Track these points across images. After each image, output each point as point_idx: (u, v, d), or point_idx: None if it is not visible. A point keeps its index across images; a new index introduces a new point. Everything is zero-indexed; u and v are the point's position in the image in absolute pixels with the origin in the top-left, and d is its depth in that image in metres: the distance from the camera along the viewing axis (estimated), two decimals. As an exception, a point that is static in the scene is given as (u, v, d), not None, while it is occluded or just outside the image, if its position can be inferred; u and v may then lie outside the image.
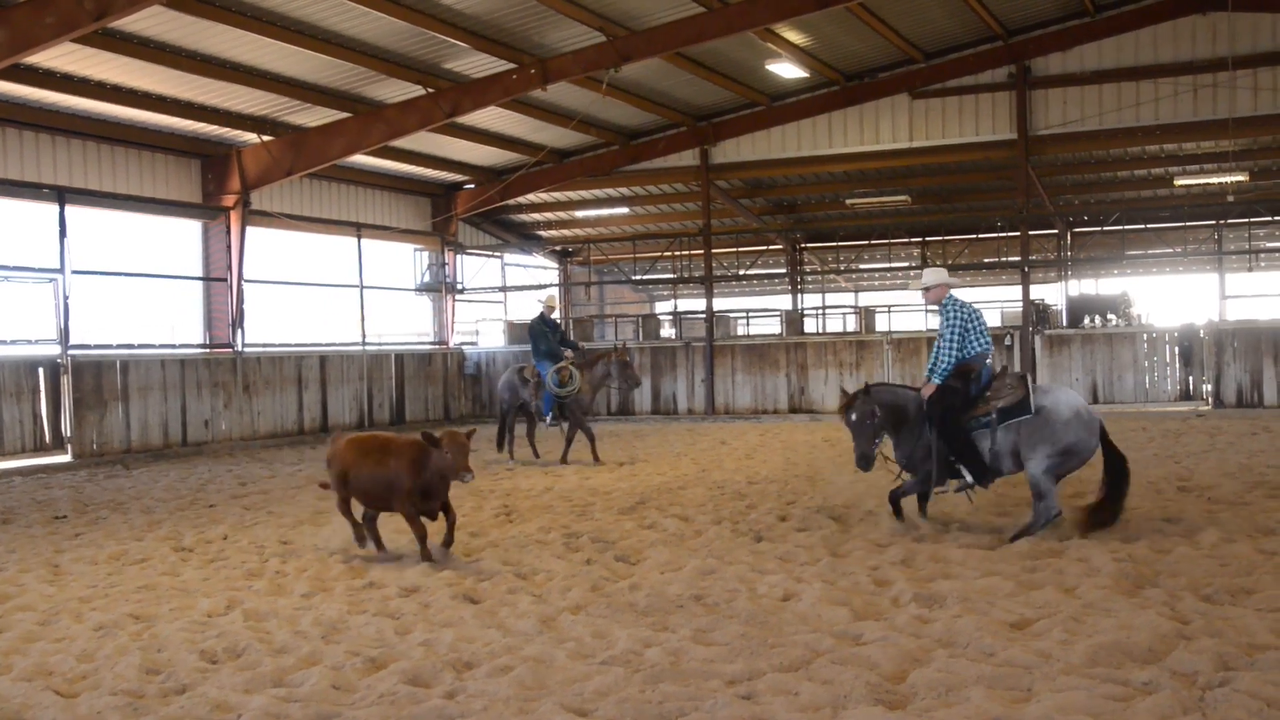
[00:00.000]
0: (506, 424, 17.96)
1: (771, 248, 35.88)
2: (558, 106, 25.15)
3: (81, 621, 7.88)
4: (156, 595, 8.71)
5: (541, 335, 17.38)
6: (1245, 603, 7.29)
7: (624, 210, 33.38)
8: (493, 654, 6.73)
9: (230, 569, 9.70)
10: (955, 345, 10.25)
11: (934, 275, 10.78)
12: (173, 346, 22.81)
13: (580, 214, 33.86)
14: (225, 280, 23.18)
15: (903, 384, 10.82)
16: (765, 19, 20.33)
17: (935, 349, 10.47)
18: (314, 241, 27.03)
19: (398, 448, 9.62)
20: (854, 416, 10.17)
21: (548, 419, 17.29)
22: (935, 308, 10.76)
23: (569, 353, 17.31)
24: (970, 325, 10.34)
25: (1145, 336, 24.85)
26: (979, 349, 10.34)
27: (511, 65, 21.60)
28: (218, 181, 23.03)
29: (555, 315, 17.95)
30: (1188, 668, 5.91)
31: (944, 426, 10.11)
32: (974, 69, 25.84)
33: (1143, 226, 32.05)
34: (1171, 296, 35.91)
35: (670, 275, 35.87)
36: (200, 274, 23.66)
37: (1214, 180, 28.27)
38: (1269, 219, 29.30)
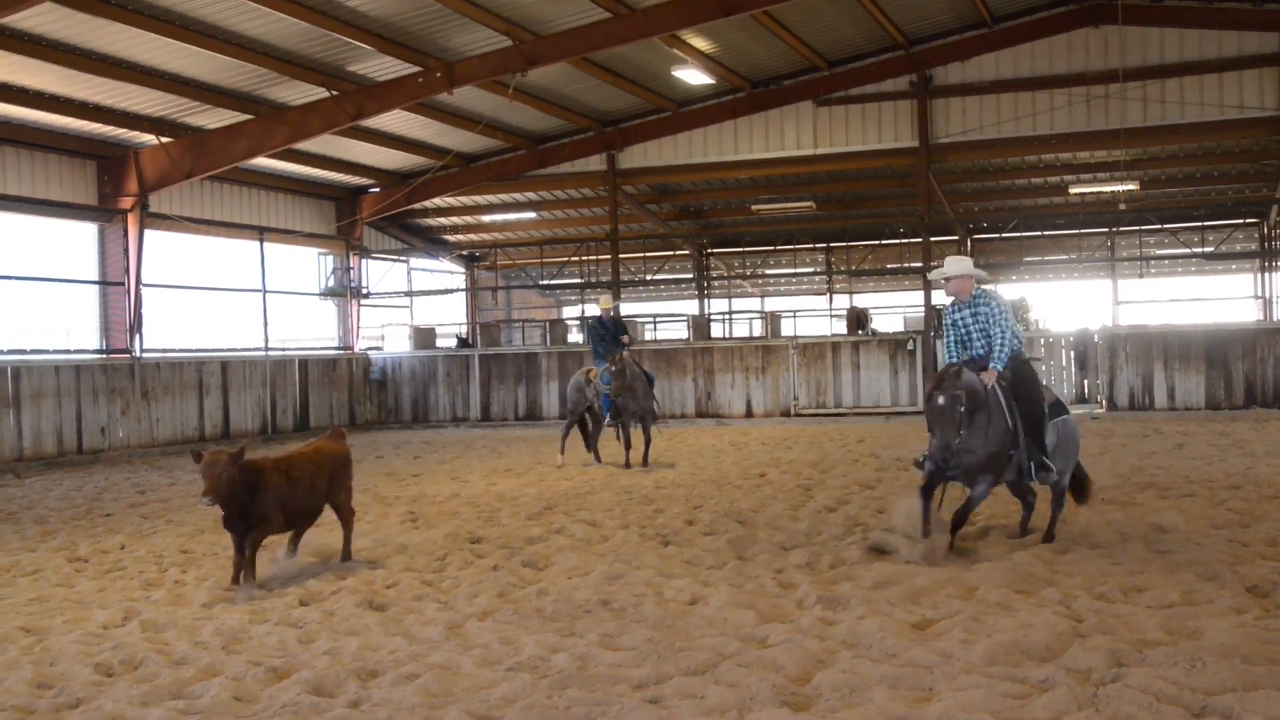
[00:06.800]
0: (571, 426, 17.85)
1: (678, 253, 36.04)
2: (464, 110, 25.03)
3: (-30, 636, 7.65)
4: (49, 607, 8.48)
5: (598, 337, 17.33)
6: (1137, 600, 7.49)
7: (531, 215, 33.31)
8: (398, 662, 6.67)
9: (127, 579, 9.48)
10: (1012, 331, 9.46)
11: (958, 265, 9.65)
12: (67, 352, 22.23)
13: (487, 218, 33.72)
14: (123, 284, 22.66)
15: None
16: (671, 25, 20.42)
17: (959, 341, 9.68)
18: (216, 245, 26.54)
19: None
20: (941, 401, 8.89)
21: (606, 419, 17.15)
22: (954, 301, 9.70)
23: (624, 352, 16.94)
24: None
25: (1042, 341, 25.41)
26: (1020, 343, 9.66)
27: (417, 68, 21.43)
28: (114, 183, 22.49)
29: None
30: (1082, 665, 6.06)
31: (1034, 407, 9.35)
32: (876, 78, 26.27)
33: (1039, 233, 32.78)
34: (1067, 302, 36.87)
35: (578, 280, 35.86)
36: (96, 278, 23.09)
37: (1107, 189, 29.04)
38: (1158, 227, 30.18)
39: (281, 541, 9.75)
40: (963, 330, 9.68)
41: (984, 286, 9.72)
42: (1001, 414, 9.13)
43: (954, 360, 9.56)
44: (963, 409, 8.82)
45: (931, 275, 10.36)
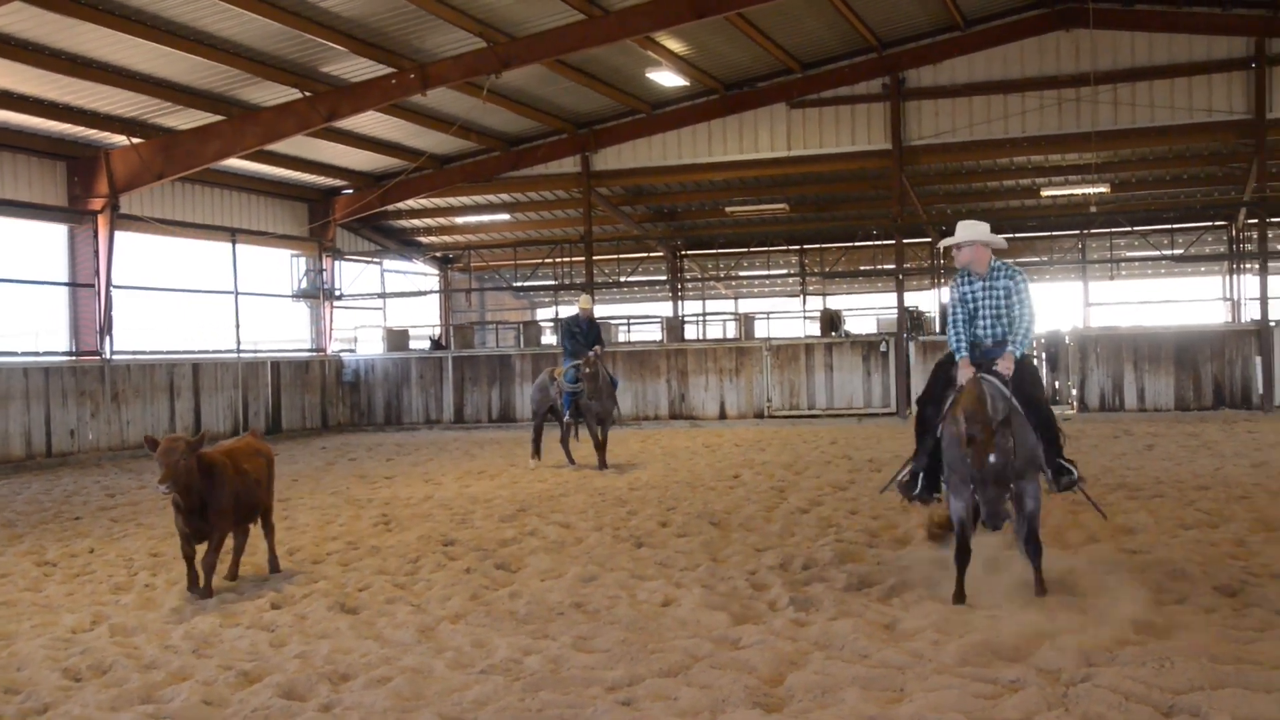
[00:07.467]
0: (540, 428, 17.95)
1: (652, 255, 36.06)
2: (438, 112, 24.96)
3: (-64, 641, 7.57)
4: (16, 612, 8.41)
5: (570, 335, 17.36)
6: (1107, 600, 7.53)
7: (505, 217, 33.25)
8: (370, 665, 6.65)
9: (96, 583, 9.41)
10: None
11: (971, 230, 8.22)
12: (36, 354, 22.05)
13: (461, 220, 33.64)
14: (93, 286, 22.48)
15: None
16: (645, 27, 20.42)
17: (990, 320, 8.30)
18: (187, 247, 26.38)
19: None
20: (994, 460, 7.20)
21: (565, 416, 17.14)
22: (974, 277, 8.32)
23: (592, 353, 16.88)
24: None
25: (1014, 342, 25.48)
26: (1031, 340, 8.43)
27: (391, 69, 21.36)
28: (85, 184, 22.31)
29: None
30: (1053, 664, 6.09)
31: (1042, 406, 8.08)
32: (850, 80, 26.35)
33: (1011, 235, 32.87)
34: (1038, 303, 37.02)
35: (552, 282, 35.83)
36: (66, 279, 22.90)
37: (1078, 191, 29.25)
38: (1129, 229, 30.38)
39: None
40: (970, 306, 8.31)
41: (1005, 260, 8.48)
42: (1022, 419, 7.74)
43: (963, 342, 8.20)
44: (1016, 464, 7.39)
45: (942, 244, 9.05)
